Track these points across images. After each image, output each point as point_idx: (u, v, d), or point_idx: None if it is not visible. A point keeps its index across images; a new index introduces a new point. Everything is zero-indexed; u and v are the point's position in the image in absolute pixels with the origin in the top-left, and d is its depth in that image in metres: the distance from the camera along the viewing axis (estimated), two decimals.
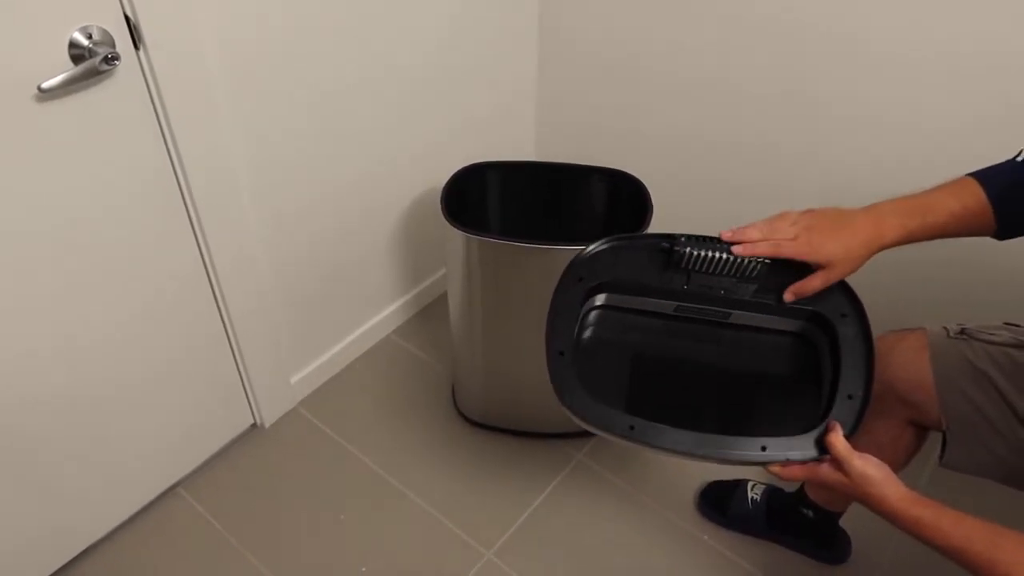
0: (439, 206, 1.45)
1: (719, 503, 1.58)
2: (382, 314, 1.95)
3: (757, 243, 1.01)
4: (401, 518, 1.60)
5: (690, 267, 1.07)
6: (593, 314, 1.13)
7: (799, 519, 1.48)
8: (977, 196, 0.98)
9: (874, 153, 1.55)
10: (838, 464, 0.93)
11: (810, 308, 1.06)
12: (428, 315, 2.04)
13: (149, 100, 1.21)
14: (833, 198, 1.63)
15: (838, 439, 0.93)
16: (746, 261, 1.04)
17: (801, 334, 1.10)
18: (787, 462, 0.95)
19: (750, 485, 1.57)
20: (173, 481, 1.64)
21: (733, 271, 1.07)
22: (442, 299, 2.05)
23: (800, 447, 0.95)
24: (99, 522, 1.54)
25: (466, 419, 1.78)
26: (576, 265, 1.11)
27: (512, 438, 1.75)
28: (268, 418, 1.76)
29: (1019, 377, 1.08)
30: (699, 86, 1.70)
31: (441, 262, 1.99)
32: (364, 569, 1.52)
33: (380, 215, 1.77)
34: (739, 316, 1.10)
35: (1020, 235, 1.00)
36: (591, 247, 1.12)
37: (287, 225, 1.56)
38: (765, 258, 1.03)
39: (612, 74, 1.82)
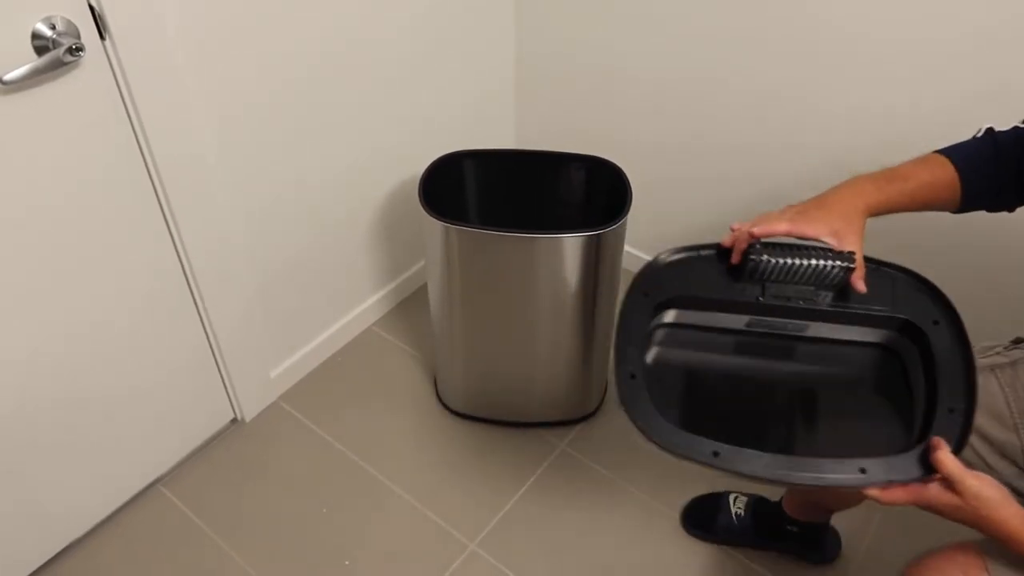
0: (417, 196, 1.44)
1: (704, 521, 1.55)
2: (363, 306, 1.93)
3: (745, 227, 0.99)
4: (384, 510, 1.59)
5: (765, 276, 1.00)
6: (661, 332, 1.06)
7: (783, 534, 1.46)
8: (945, 167, 1.01)
9: (853, 141, 1.54)
10: (949, 484, 0.85)
11: (897, 316, 0.99)
12: (409, 306, 2.03)
13: (117, 91, 1.19)
14: (813, 184, 1.64)
15: (947, 457, 0.84)
16: (827, 267, 0.96)
17: (883, 345, 1.03)
18: (888, 484, 0.87)
19: (732, 499, 1.54)
20: (153, 478, 1.63)
21: (812, 278, 0.99)
22: (423, 290, 2.03)
23: (903, 468, 0.87)
24: (78, 520, 1.52)
25: (448, 410, 1.77)
26: (641, 280, 1.04)
27: (495, 428, 1.74)
28: (248, 412, 1.75)
29: None
30: (679, 72, 1.69)
31: (421, 252, 1.97)
32: (347, 562, 1.51)
33: (358, 205, 1.75)
34: (817, 328, 1.03)
35: (977, 208, 1.04)
36: (656, 259, 1.05)
37: (263, 216, 1.54)
38: (847, 262, 0.96)
39: (591, 62, 1.81)
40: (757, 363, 1.06)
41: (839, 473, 0.87)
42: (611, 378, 1.81)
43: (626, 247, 1.71)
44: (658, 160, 1.83)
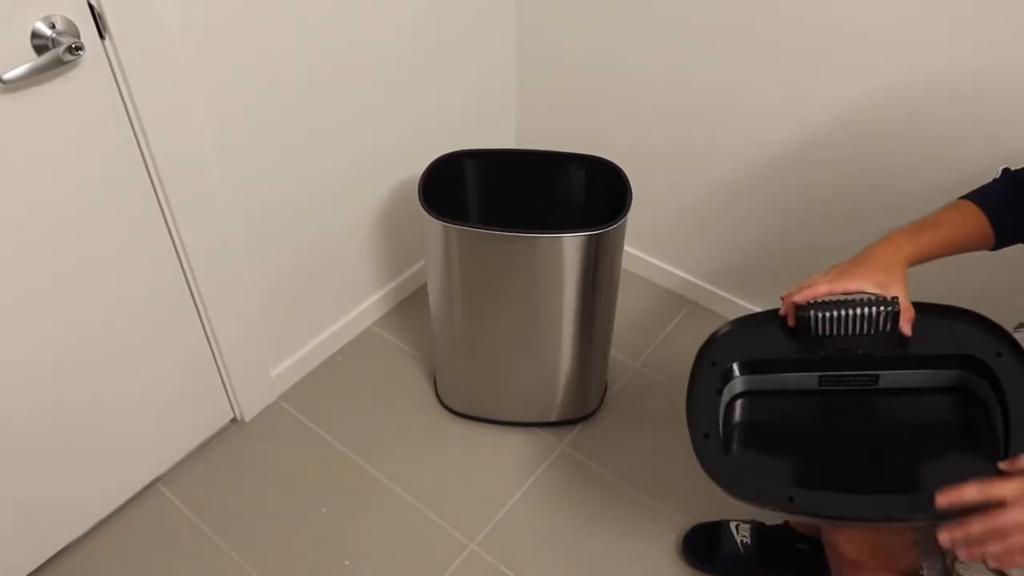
0: (416, 195, 1.44)
1: (706, 551, 1.51)
2: (363, 305, 1.93)
3: (791, 295, 1.05)
4: (384, 510, 1.59)
5: (821, 332, 1.05)
6: (734, 399, 1.10)
7: (793, 554, 1.43)
8: (973, 209, 1.06)
9: (856, 149, 1.54)
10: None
11: (961, 353, 1.01)
12: (409, 306, 2.03)
13: (116, 90, 1.18)
14: (816, 186, 1.64)
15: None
16: (875, 312, 1.02)
17: (955, 386, 1.04)
18: (964, 521, 0.84)
19: (734, 526, 1.50)
20: (152, 477, 1.62)
21: (863, 325, 1.03)
22: (423, 290, 2.03)
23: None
24: (77, 520, 1.52)
25: (448, 410, 1.77)
26: (706, 350, 1.10)
27: (495, 428, 1.74)
28: (248, 412, 1.75)
29: None
30: (680, 73, 1.69)
31: (421, 252, 1.97)
32: (347, 562, 1.51)
33: (359, 205, 1.75)
34: (888, 378, 1.06)
35: (1013, 243, 1.08)
36: (718, 330, 1.12)
37: (263, 216, 1.53)
38: (892, 306, 1.01)
39: (592, 62, 1.81)
40: (832, 419, 1.09)
41: (917, 508, 0.88)
42: (611, 379, 1.81)
43: (626, 247, 1.72)
44: (659, 160, 1.83)
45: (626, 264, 2.03)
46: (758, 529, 1.48)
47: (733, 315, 1.95)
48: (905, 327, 1.03)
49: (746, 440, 1.08)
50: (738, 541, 1.48)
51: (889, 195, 1.55)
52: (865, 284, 1.01)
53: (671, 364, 1.86)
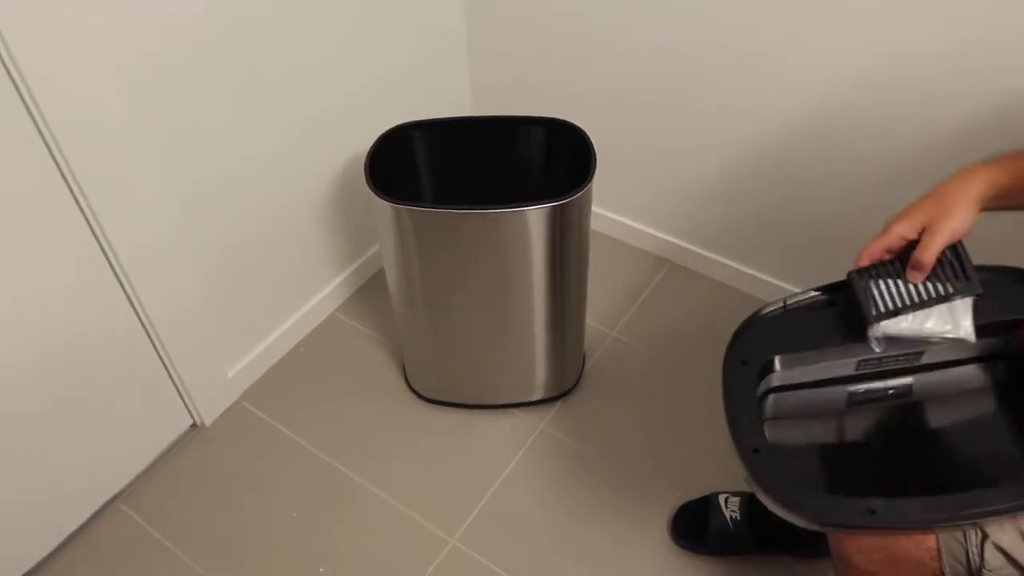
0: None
1: (696, 530, 1.43)
2: (323, 292, 1.82)
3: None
4: (358, 510, 1.51)
5: (884, 308, 0.93)
6: (771, 398, 1.00)
7: (785, 529, 1.38)
8: None
9: (833, 104, 1.44)
10: None
11: (1018, 317, 0.91)
12: (372, 289, 1.92)
13: (6, 74, 1.04)
14: (790, 142, 1.54)
15: None
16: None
17: (1008, 353, 0.95)
18: None
19: (723, 500, 1.43)
20: (111, 495, 1.53)
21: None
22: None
23: None
24: (31, 548, 1.43)
25: (420, 396, 1.68)
26: (736, 347, 0.98)
27: (470, 412, 1.65)
28: (208, 416, 1.64)
29: None
30: (646, 27, 1.57)
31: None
32: (322, 569, 1.43)
33: (304, 181, 1.62)
34: (933, 351, 0.96)
35: None
36: (746, 323, 1.00)
37: (201, 202, 1.41)
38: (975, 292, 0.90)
39: (549, 15, 1.69)
40: (877, 407, 1.00)
41: (1015, 499, 0.79)
42: (588, 351, 1.73)
43: (595, 209, 1.62)
44: (624, 117, 1.72)
45: (596, 226, 1.93)
46: (748, 502, 1.41)
47: (715, 275, 1.88)
48: (912, 274, 0.92)
49: (789, 445, 0.98)
50: (727, 516, 1.41)
51: (875, 152, 1.46)
52: (915, 223, 0.91)
53: (651, 329, 1.77)
